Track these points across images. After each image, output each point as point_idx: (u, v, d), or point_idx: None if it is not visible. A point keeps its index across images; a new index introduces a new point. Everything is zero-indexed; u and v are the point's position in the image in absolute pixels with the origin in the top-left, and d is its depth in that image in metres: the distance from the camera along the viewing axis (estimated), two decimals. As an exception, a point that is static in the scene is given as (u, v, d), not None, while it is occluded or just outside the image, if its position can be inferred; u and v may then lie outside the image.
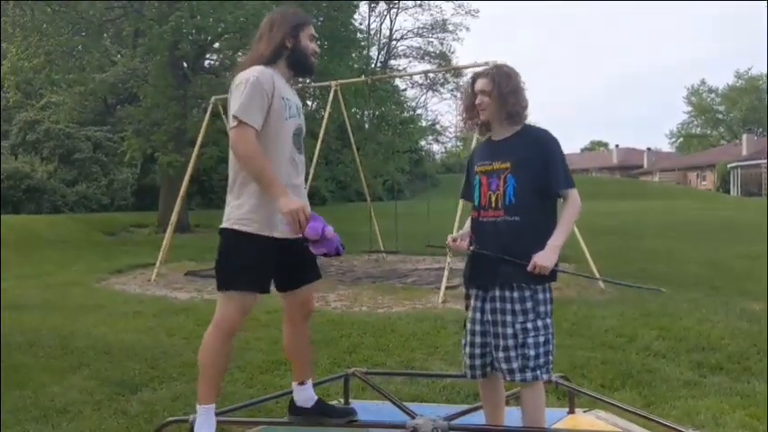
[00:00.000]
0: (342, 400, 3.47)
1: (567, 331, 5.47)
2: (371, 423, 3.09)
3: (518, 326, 2.53)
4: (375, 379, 3.67)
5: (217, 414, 2.93)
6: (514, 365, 2.52)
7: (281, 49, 2.80)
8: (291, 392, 3.09)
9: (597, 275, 7.91)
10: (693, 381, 4.20)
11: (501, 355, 2.55)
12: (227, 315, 2.77)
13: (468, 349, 2.69)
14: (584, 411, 3.39)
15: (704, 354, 4.81)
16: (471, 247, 2.66)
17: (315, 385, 3.22)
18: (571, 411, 3.34)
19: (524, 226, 2.57)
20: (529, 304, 2.54)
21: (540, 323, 2.55)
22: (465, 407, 3.22)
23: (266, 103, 2.68)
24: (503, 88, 2.63)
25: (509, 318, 2.54)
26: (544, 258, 2.51)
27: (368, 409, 3.30)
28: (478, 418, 2.89)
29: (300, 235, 2.64)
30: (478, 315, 2.66)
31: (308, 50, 2.86)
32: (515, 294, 2.55)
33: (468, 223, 2.80)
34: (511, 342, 2.53)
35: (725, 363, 4.57)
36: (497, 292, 2.58)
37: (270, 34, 2.80)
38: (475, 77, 2.74)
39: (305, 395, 3.04)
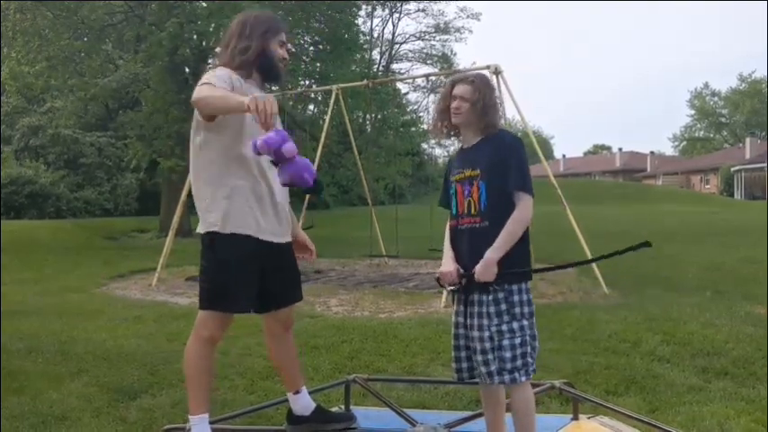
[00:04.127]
0: (342, 407, 3.43)
1: (571, 336, 5.42)
2: (371, 430, 3.05)
3: (494, 328, 2.55)
4: (376, 385, 3.63)
5: (216, 421, 2.89)
6: (492, 368, 2.55)
7: (250, 53, 2.75)
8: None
9: (600, 279, 7.90)
10: (698, 386, 4.16)
11: (480, 358, 2.58)
12: (207, 329, 2.72)
13: (454, 353, 2.73)
14: (588, 417, 3.34)
15: (709, 359, 4.76)
16: (461, 280, 2.65)
17: (315, 391, 3.18)
18: (575, 418, 3.29)
19: (494, 231, 2.58)
20: (503, 306, 2.57)
21: (515, 325, 2.56)
22: (467, 413, 3.19)
23: (227, 85, 2.62)
24: (487, 100, 2.66)
25: (485, 321, 2.57)
26: (482, 275, 2.54)
27: (369, 416, 3.26)
28: (480, 425, 2.85)
29: (271, 133, 2.34)
30: (461, 319, 2.69)
31: (276, 57, 2.82)
32: (490, 297, 2.57)
33: (447, 245, 2.76)
34: (488, 345, 2.56)
35: (730, 368, 4.53)
36: (475, 297, 2.61)
37: (239, 38, 2.76)
38: (454, 82, 2.75)
39: (302, 403, 3.00)
